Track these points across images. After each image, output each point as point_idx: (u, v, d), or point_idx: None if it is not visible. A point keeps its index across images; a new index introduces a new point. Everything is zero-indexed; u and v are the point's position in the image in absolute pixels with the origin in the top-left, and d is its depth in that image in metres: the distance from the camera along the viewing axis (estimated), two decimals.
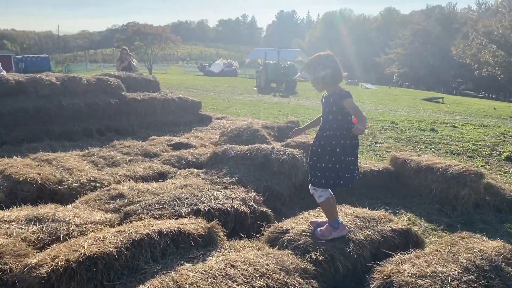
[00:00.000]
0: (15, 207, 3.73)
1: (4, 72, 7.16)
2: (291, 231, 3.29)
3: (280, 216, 4.18)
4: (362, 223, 3.51)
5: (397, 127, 10.33)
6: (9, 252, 2.77)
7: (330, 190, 3.26)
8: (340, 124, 3.10)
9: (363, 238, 3.26)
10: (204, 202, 3.82)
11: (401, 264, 2.82)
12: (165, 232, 2.90)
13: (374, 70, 63.36)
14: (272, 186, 4.67)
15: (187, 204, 3.76)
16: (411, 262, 2.83)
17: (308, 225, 3.36)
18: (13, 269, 2.60)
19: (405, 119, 12.30)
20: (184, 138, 7.02)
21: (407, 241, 3.50)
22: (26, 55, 60.19)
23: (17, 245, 2.89)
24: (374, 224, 3.52)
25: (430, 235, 4.15)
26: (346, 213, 3.69)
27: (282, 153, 5.10)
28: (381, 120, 11.68)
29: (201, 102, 10.07)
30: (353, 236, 3.26)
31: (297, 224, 3.42)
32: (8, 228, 3.16)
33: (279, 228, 3.40)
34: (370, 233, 3.35)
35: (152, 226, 2.97)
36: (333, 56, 3.15)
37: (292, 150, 5.29)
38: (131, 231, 2.87)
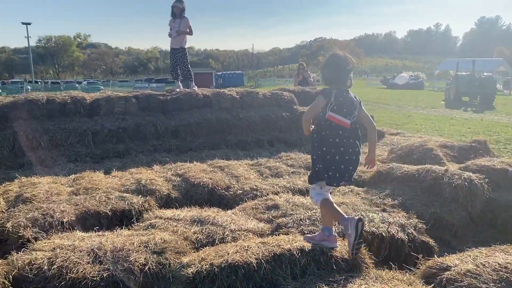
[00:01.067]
0: (186, 207, 4.20)
1: (195, 88, 8.20)
2: (453, 269, 2.82)
3: (447, 249, 3.66)
4: None
5: None
6: (171, 248, 3.09)
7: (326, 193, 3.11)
8: None
9: None
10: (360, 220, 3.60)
11: None
12: (307, 250, 2.83)
13: None
14: (441, 214, 4.13)
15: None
16: None
17: (476, 265, 2.83)
18: (172, 265, 2.89)
19: None
20: None
21: None
22: (225, 72, 68.43)
23: (179, 243, 3.21)
24: None
25: None
26: None
27: (456, 177, 4.48)
28: None
29: (373, 117, 9.67)
30: None
31: (462, 262, 2.91)
32: (175, 226, 3.55)
33: (439, 263, 2.96)
34: None
35: (295, 242, 2.94)
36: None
37: (471, 174, 4.60)
38: (274, 244, 2.89)
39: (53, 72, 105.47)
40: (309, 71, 14.03)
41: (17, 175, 4.99)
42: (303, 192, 4.75)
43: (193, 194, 4.78)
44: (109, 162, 5.85)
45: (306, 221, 3.64)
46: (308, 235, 3.19)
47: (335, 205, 3.11)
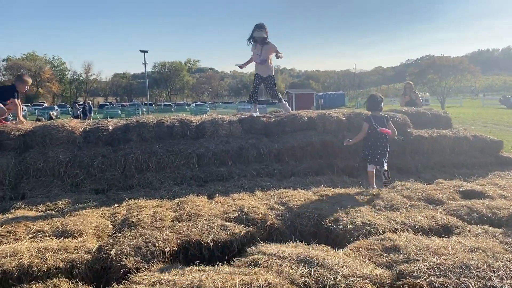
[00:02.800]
0: (291, 242, 3.82)
1: (286, 103, 8.04)
2: None
3: None
4: None
5: None
6: None
7: None
8: None
9: None
10: (502, 278, 2.89)
11: None
12: None
13: None
14: None
15: (477, 276, 2.92)
16: None
17: None
18: None
19: None
20: (478, 185, 5.89)
21: None
22: (325, 93, 67.86)
23: (285, 287, 2.83)
24: None
25: None
26: None
27: None
28: None
29: (502, 142, 8.42)
30: None
31: None
32: (280, 265, 3.18)
33: None
34: None
35: None
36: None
37: None
38: None
39: (166, 95, 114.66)
40: (417, 91, 12.88)
41: (125, 197, 5.09)
42: (426, 231, 4.08)
43: (297, 225, 4.39)
44: (212, 185, 5.74)
45: (435, 270, 3.01)
46: None
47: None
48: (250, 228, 4.06)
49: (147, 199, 5.05)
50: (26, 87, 7.05)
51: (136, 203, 4.79)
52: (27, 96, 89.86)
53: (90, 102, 35.34)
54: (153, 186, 5.70)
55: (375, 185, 5.88)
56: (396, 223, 4.25)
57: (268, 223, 4.26)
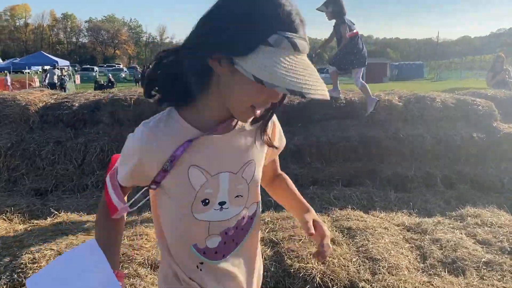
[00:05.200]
0: None
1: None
2: None
3: None
4: None
5: None
6: None
7: None
8: None
9: None
10: None
11: None
12: None
13: None
14: None
15: None
16: None
17: None
18: None
19: None
20: None
21: None
22: (402, 62, 62.45)
23: None
24: None
25: None
26: None
27: None
28: None
29: None
30: None
31: None
32: None
33: None
34: None
35: None
36: None
37: None
38: None
39: None
40: (509, 66, 9.85)
41: (69, 205, 3.60)
42: None
43: None
44: None
45: None
46: None
47: None
48: None
49: (89, 213, 3.55)
50: None
51: (67, 219, 3.30)
52: (104, 57, 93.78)
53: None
54: None
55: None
56: None
57: None
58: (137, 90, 5.29)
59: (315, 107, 5.04)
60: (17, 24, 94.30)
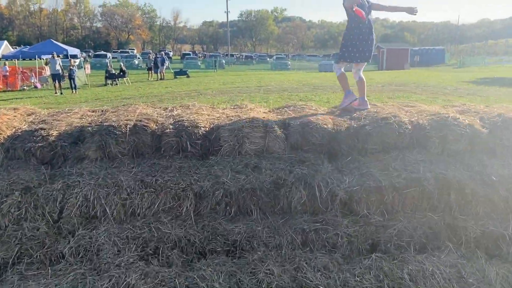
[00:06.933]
0: None
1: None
2: None
3: None
4: None
5: None
6: None
7: None
8: None
9: None
10: None
11: None
12: None
13: None
14: None
15: None
16: None
17: None
18: None
19: None
20: None
21: None
22: (422, 47, 59.88)
23: None
24: None
25: None
26: None
27: None
28: None
29: None
30: None
31: None
32: None
33: None
34: None
35: None
36: None
37: None
38: None
39: (250, 45, 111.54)
40: None
41: None
42: None
43: None
44: (210, 270, 2.89)
45: None
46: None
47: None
48: None
49: None
50: None
51: None
52: (119, 42, 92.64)
53: (163, 53, 33.56)
54: (101, 260, 2.99)
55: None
56: None
57: None
58: (136, 110, 4.06)
59: (370, 135, 3.75)
60: (32, 9, 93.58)
